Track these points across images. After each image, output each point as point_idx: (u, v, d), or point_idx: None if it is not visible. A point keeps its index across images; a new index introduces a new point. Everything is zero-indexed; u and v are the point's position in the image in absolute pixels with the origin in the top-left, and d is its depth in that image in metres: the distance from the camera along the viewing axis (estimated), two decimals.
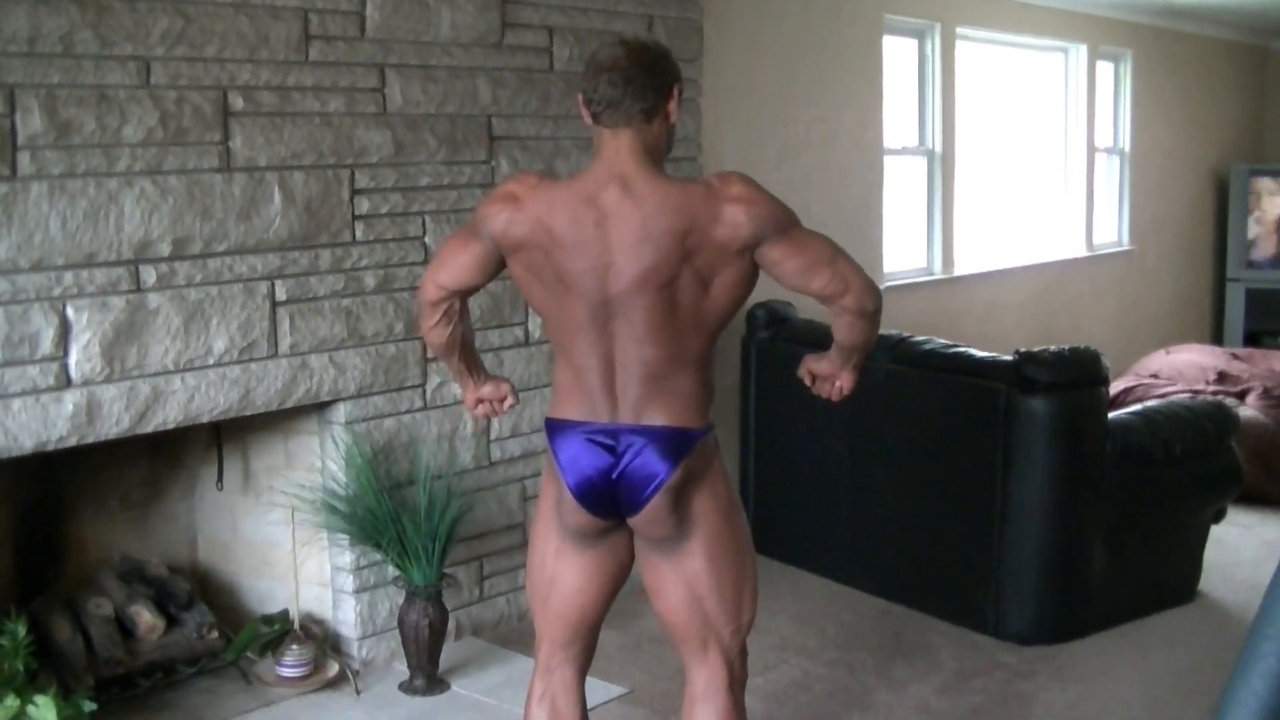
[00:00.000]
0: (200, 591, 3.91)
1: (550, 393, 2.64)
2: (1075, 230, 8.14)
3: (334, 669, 3.77)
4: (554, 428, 2.54)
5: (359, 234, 3.77)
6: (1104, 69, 8.23)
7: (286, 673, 3.69)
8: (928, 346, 4.48)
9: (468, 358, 2.74)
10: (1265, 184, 9.09)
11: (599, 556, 2.62)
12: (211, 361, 3.44)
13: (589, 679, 2.79)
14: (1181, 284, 9.15)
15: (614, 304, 2.43)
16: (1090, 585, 4.23)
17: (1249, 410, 6.09)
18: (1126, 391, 6.66)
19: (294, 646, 3.71)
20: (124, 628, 3.61)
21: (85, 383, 3.20)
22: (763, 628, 3.86)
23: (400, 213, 3.86)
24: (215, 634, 3.72)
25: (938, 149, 6.81)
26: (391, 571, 3.83)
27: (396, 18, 3.77)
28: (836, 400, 2.76)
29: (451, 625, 3.94)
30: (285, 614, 3.86)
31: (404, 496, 3.82)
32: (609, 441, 2.48)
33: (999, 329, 7.06)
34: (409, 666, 3.80)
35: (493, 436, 4.18)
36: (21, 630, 3.13)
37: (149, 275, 3.31)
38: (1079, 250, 8.13)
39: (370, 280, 3.80)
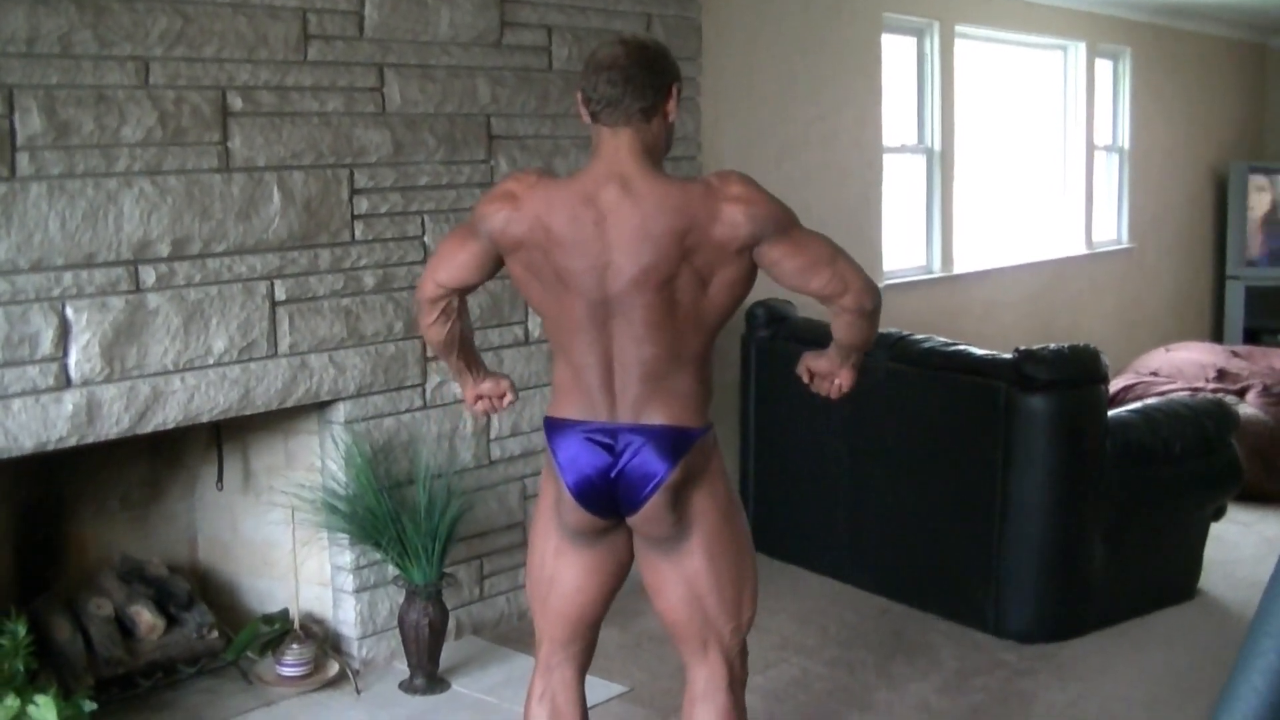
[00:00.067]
0: (200, 591, 3.91)
1: (549, 392, 2.64)
2: (1075, 228, 8.14)
3: (334, 668, 3.77)
4: (553, 427, 2.54)
5: (358, 233, 3.77)
6: (1103, 67, 8.23)
7: (287, 672, 3.70)
8: (927, 345, 4.48)
9: (467, 355, 2.74)
10: (1256, 180, 9.10)
11: (598, 555, 2.62)
12: (211, 361, 3.44)
13: (589, 677, 2.79)
14: (1181, 282, 9.15)
15: (613, 303, 2.43)
16: (1090, 583, 4.23)
17: (1249, 408, 6.09)
18: (1126, 389, 6.67)
19: (294, 646, 3.71)
20: (124, 628, 3.61)
21: (85, 383, 3.20)
22: (763, 626, 3.86)
23: (399, 212, 3.86)
24: (215, 634, 3.72)
25: (937, 147, 6.81)
26: (391, 571, 3.83)
27: (395, 17, 3.77)
28: (835, 398, 2.76)
29: (452, 624, 3.94)
30: (285, 613, 3.86)
31: (404, 496, 3.82)
32: (608, 440, 2.48)
33: (998, 327, 7.06)
34: (409, 666, 3.80)
35: (493, 435, 4.18)
36: (22, 630, 3.13)
37: (148, 275, 3.31)
38: (1078, 248, 8.13)
39: (370, 280, 3.80)
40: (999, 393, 4.16)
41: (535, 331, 4.23)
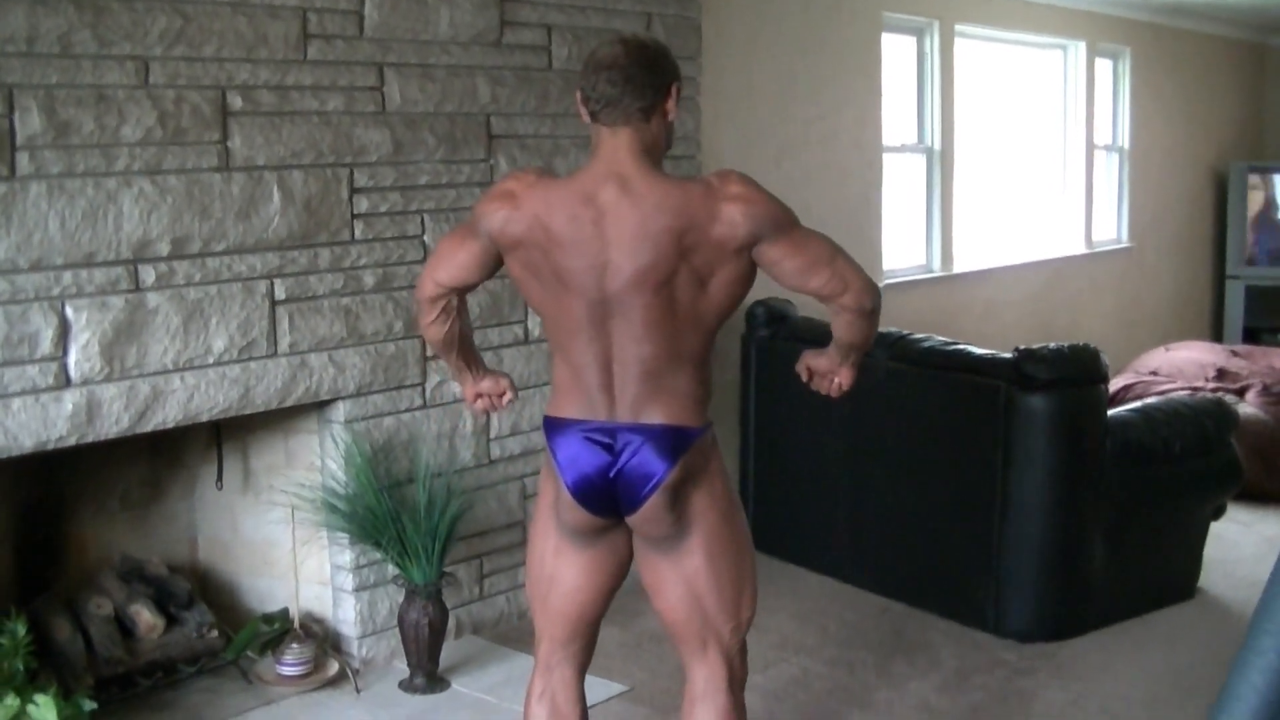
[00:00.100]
0: (200, 591, 3.91)
1: (549, 391, 2.64)
2: (1074, 228, 8.14)
3: (334, 668, 3.77)
4: (552, 426, 2.54)
5: (358, 233, 3.77)
6: (1103, 66, 8.23)
7: (286, 671, 3.70)
8: (927, 344, 4.48)
9: (466, 354, 2.75)
10: (1249, 179, 9.10)
11: (598, 555, 2.62)
12: (211, 361, 3.44)
13: (589, 677, 2.79)
14: (1181, 281, 9.15)
15: (612, 302, 2.43)
16: (1090, 582, 4.23)
17: (1248, 407, 6.09)
18: (1126, 389, 6.67)
19: (294, 645, 3.71)
20: (124, 627, 3.61)
21: (85, 382, 3.20)
22: (762, 626, 3.86)
23: (399, 211, 3.86)
24: (215, 633, 3.72)
25: (937, 146, 6.81)
26: (391, 570, 3.83)
27: (395, 16, 3.77)
28: (835, 397, 2.76)
29: (451, 623, 3.94)
30: (285, 613, 3.86)
31: (404, 495, 3.82)
32: (607, 440, 2.48)
33: (998, 326, 7.06)
34: (409, 665, 3.80)
35: (492, 435, 4.18)
36: (21, 630, 3.13)
37: (148, 275, 3.31)
38: (1078, 248, 8.13)
39: (369, 279, 3.80)
40: (999, 392, 4.16)
41: (535, 331, 4.23)
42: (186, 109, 3.33)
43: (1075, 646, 4.13)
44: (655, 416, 2.47)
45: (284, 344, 3.61)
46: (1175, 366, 6.89)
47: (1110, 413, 4.30)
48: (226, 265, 3.47)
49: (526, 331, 4.23)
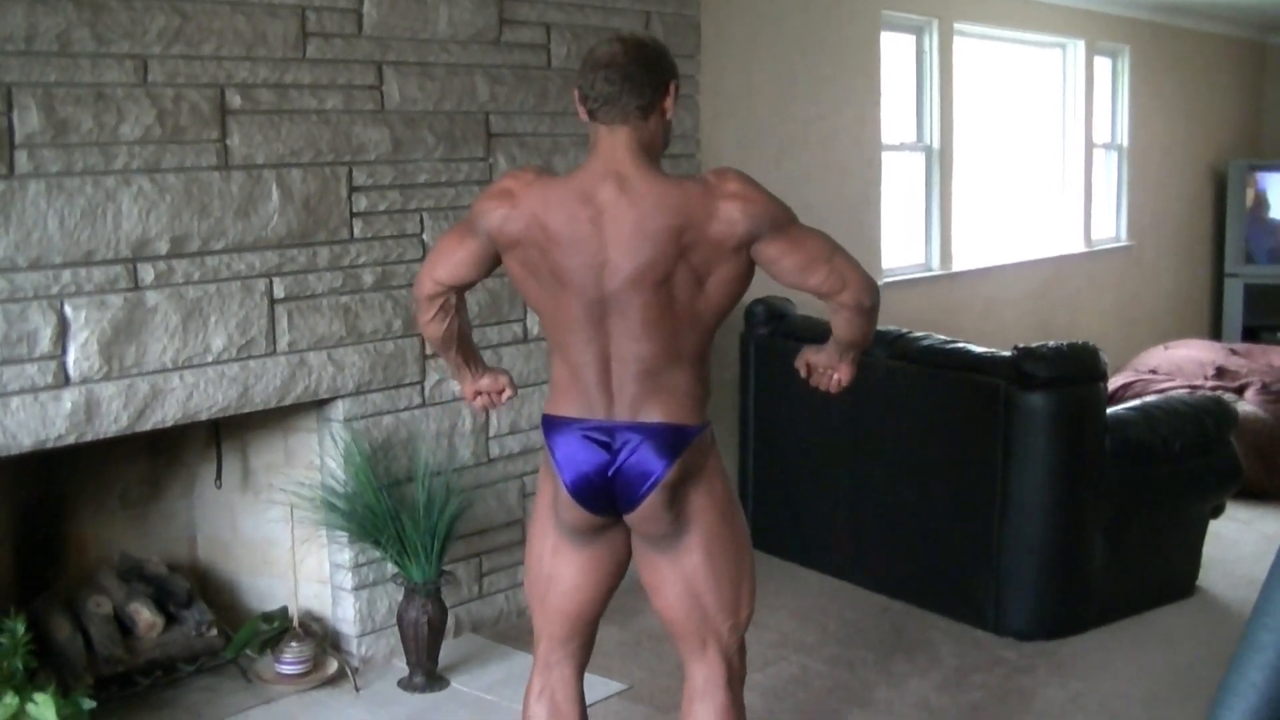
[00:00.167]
0: (199, 589, 3.91)
1: (547, 389, 2.64)
2: (1074, 226, 8.14)
3: (333, 666, 3.77)
4: (550, 424, 2.54)
5: (357, 231, 3.77)
6: (1102, 65, 8.23)
7: (286, 670, 3.70)
8: (926, 342, 4.48)
9: (465, 351, 2.74)
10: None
11: (596, 553, 2.62)
12: (210, 359, 3.44)
13: (588, 675, 2.79)
14: (1180, 279, 9.15)
15: (610, 301, 2.43)
16: (1089, 581, 4.23)
17: (1247, 405, 6.09)
18: (1125, 387, 6.66)
19: (293, 644, 3.71)
20: (123, 626, 3.61)
21: (84, 381, 3.20)
22: (762, 624, 3.87)
23: (398, 210, 3.86)
24: (215, 632, 3.72)
25: (936, 145, 6.81)
26: (390, 569, 3.83)
27: (394, 15, 3.77)
28: (834, 392, 2.75)
29: (451, 622, 3.94)
30: (284, 611, 3.86)
31: (403, 493, 3.82)
32: (605, 438, 2.48)
33: (997, 325, 7.07)
34: (408, 663, 3.80)
35: (491, 433, 4.18)
36: (21, 629, 3.13)
37: (147, 273, 3.31)
38: (1077, 246, 8.13)
39: (368, 277, 3.80)
40: (998, 390, 4.16)
41: (534, 329, 4.23)
42: (185, 107, 3.33)
43: (1075, 645, 4.13)
44: (654, 415, 2.47)
45: (283, 342, 3.60)
46: (1174, 365, 6.89)
47: (1109, 411, 4.30)
48: (225, 264, 3.47)
49: (525, 330, 4.23)
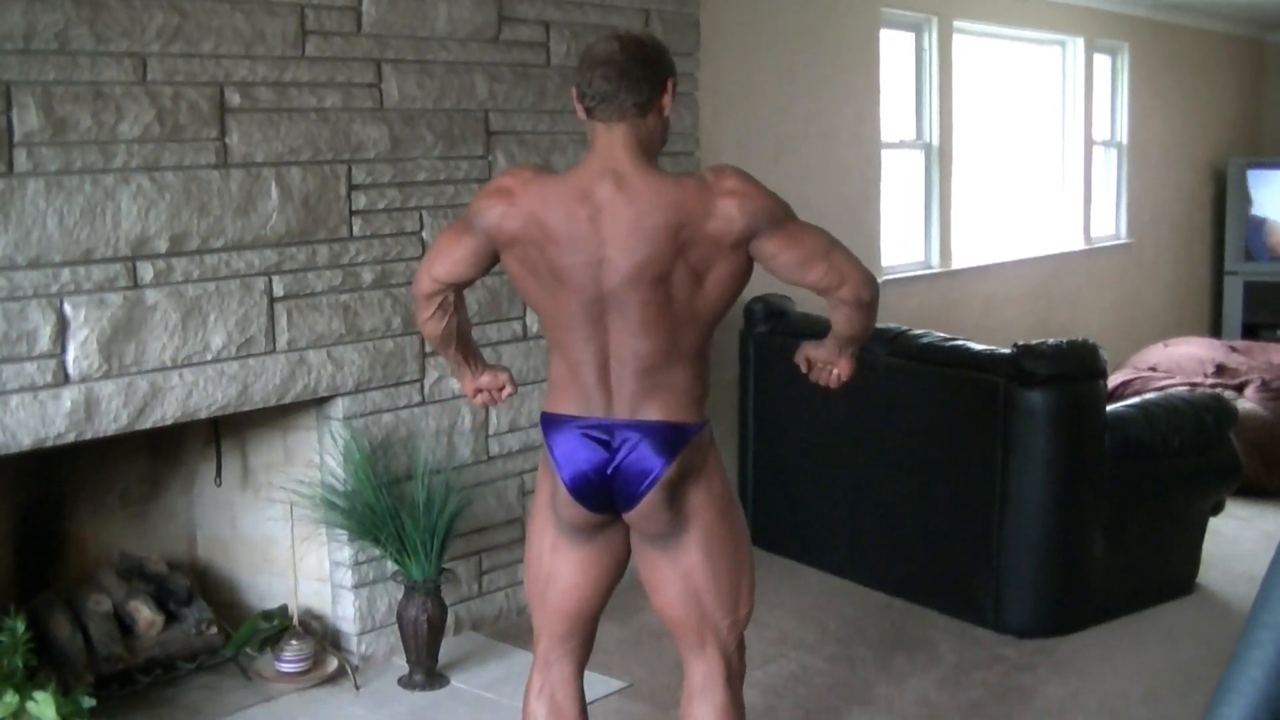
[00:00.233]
0: (199, 588, 3.91)
1: (546, 387, 2.64)
2: (1073, 224, 8.13)
3: (333, 664, 3.77)
4: (549, 422, 2.54)
5: (356, 229, 3.77)
6: (1101, 62, 8.23)
7: (286, 668, 3.70)
8: (926, 340, 4.48)
9: (465, 349, 2.74)
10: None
11: (596, 551, 2.62)
12: (209, 357, 3.44)
13: (588, 673, 2.79)
14: (1179, 277, 9.15)
15: (608, 299, 2.42)
16: (1089, 578, 4.23)
17: (1247, 403, 6.09)
18: (1125, 384, 6.66)
19: (293, 642, 3.71)
20: (123, 624, 3.61)
21: (83, 379, 3.20)
22: (762, 622, 3.87)
23: (397, 208, 3.86)
24: (214, 630, 3.72)
25: (935, 143, 6.81)
26: (390, 567, 3.83)
27: (393, 13, 3.77)
28: (834, 387, 2.75)
29: (450, 620, 3.94)
30: (284, 610, 3.86)
31: (402, 492, 3.82)
32: (604, 436, 2.48)
33: (997, 322, 7.07)
34: (408, 662, 3.80)
35: (491, 431, 4.18)
36: (21, 627, 3.13)
37: (146, 272, 3.31)
38: (1077, 244, 8.13)
39: (368, 276, 3.80)
40: (998, 388, 4.16)
41: (533, 327, 4.23)
42: (184, 106, 3.33)
43: (1074, 642, 4.13)
44: (652, 413, 2.47)
45: (282, 341, 3.60)
46: (1174, 362, 6.89)
47: (1109, 408, 4.30)
48: (225, 262, 3.46)
49: (525, 328, 4.23)
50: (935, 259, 6.89)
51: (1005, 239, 7.67)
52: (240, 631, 3.76)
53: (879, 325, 2.67)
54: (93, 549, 3.86)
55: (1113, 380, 6.42)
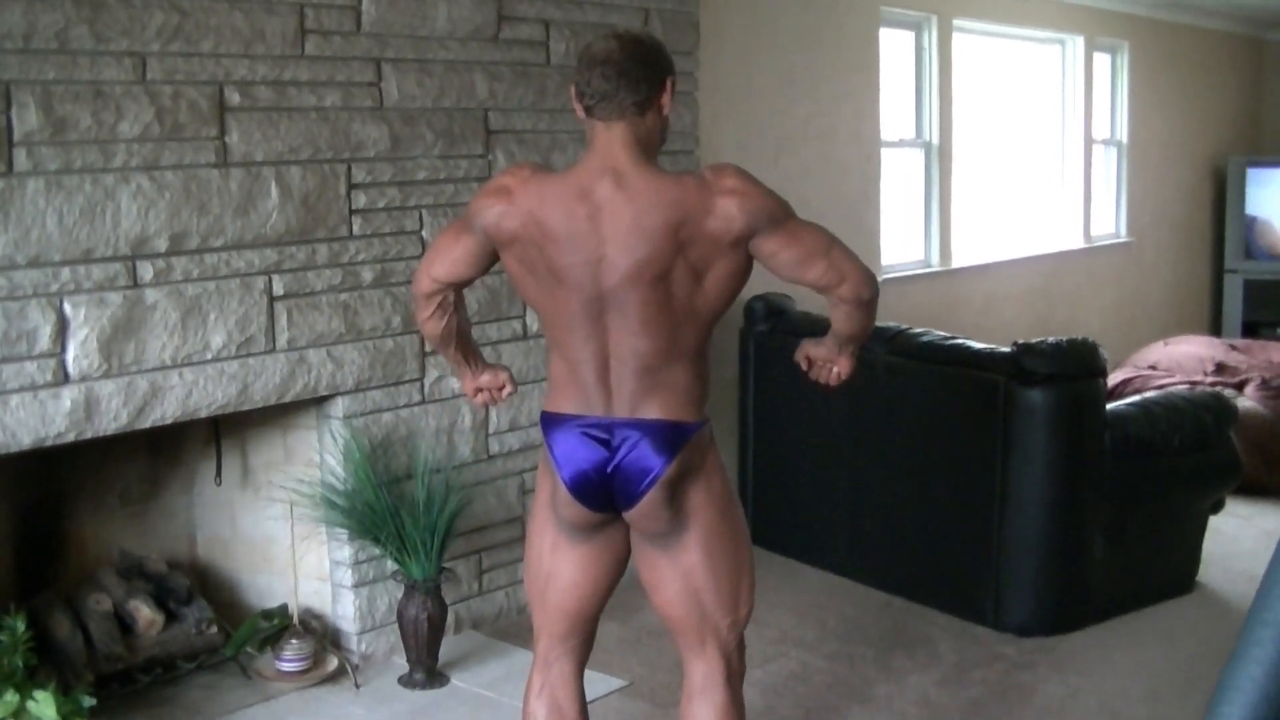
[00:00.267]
0: (199, 587, 3.91)
1: (546, 386, 2.64)
2: (1073, 222, 8.13)
3: (333, 663, 3.77)
4: (549, 421, 2.54)
5: (356, 228, 3.77)
6: (1101, 61, 8.23)
7: (286, 667, 3.70)
8: (926, 338, 4.48)
9: (465, 348, 2.74)
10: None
11: (596, 550, 2.62)
12: (209, 357, 3.44)
13: (588, 672, 2.79)
14: (1179, 275, 9.15)
15: (607, 297, 2.42)
16: (1089, 577, 4.23)
17: (1247, 401, 6.09)
18: (1125, 383, 6.66)
19: (293, 641, 3.71)
20: (123, 624, 3.61)
21: (83, 379, 3.20)
22: (762, 620, 3.87)
23: (397, 207, 3.86)
24: (214, 629, 3.73)
25: (935, 141, 6.81)
26: (390, 566, 3.83)
27: (392, 12, 3.77)
28: (834, 385, 2.75)
29: (450, 619, 3.94)
30: (284, 609, 3.86)
31: (402, 491, 3.82)
32: (604, 435, 2.48)
33: (997, 321, 7.07)
34: (408, 661, 3.80)
35: (491, 430, 4.18)
36: (21, 626, 3.13)
37: (146, 271, 3.31)
38: (1077, 242, 8.13)
39: (367, 274, 3.80)
40: (998, 386, 4.16)
41: (533, 326, 4.23)
42: (184, 105, 3.33)
43: (1074, 640, 4.13)
44: (652, 412, 2.47)
45: (282, 340, 3.60)
46: (1174, 361, 6.89)
47: (1109, 407, 4.30)
48: (224, 261, 3.46)
49: (525, 327, 4.23)
50: (935, 258, 6.89)
51: (1005, 238, 7.67)
52: (240, 631, 3.77)
53: (879, 324, 2.67)
54: (93, 548, 3.86)
55: (1113, 379, 6.42)
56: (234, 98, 3.44)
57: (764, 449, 5.05)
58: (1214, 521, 4.74)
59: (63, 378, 3.16)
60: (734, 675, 2.66)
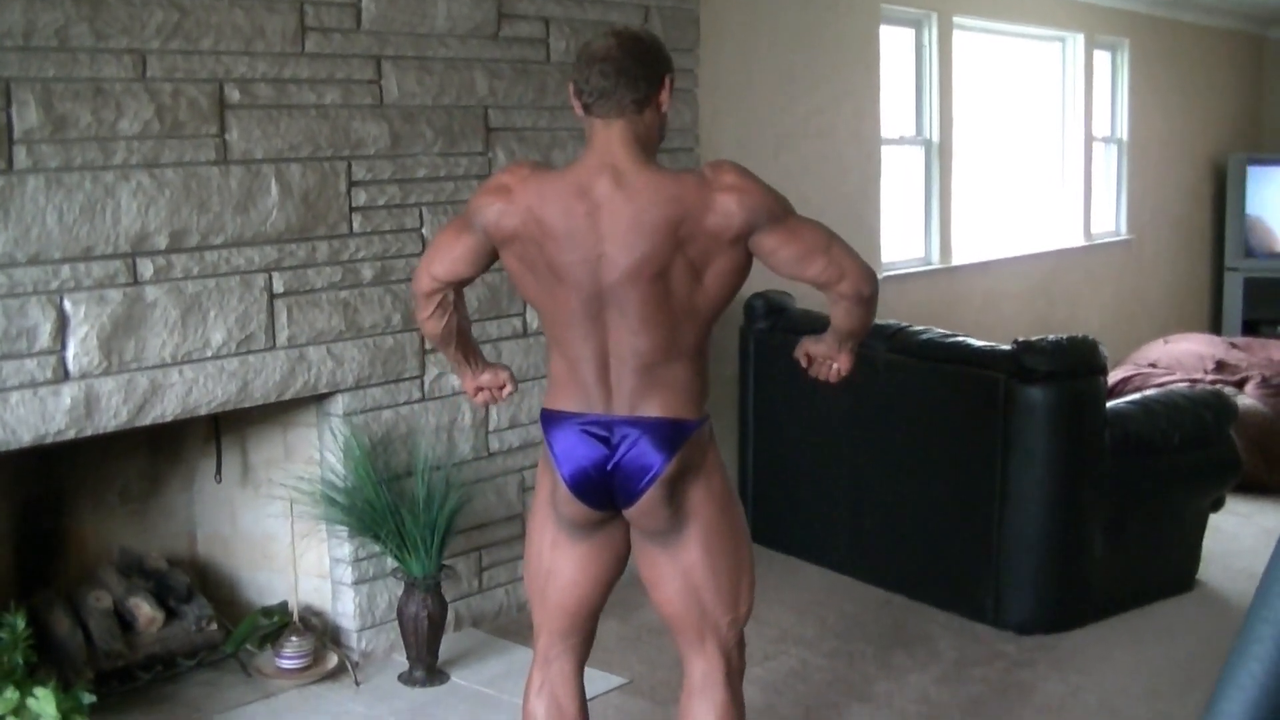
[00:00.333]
0: (199, 584, 3.91)
1: (546, 384, 2.64)
2: (1073, 220, 8.13)
3: (333, 661, 3.77)
4: (549, 419, 2.54)
5: (356, 226, 3.77)
6: (1101, 58, 8.23)
7: (286, 664, 3.70)
8: (926, 336, 4.48)
9: (465, 347, 2.74)
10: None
11: (595, 548, 2.62)
12: (209, 354, 3.44)
13: (588, 669, 2.79)
14: (1179, 273, 9.15)
15: (607, 295, 2.42)
16: (1089, 574, 4.23)
17: (1247, 399, 6.09)
18: (1125, 381, 6.66)
19: (293, 638, 3.71)
20: (123, 621, 3.61)
21: (83, 376, 3.20)
22: (762, 618, 3.87)
23: (397, 204, 3.86)
24: (214, 626, 3.73)
25: (935, 139, 6.81)
26: (390, 563, 3.83)
27: (393, 9, 3.77)
28: (834, 381, 2.75)
29: (450, 616, 3.94)
30: (284, 606, 3.86)
31: (402, 488, 3.82)
32: (603, 433, 2.48)
33: (997, 318, 7.06)
34: (408, 658, 3.80)
35: (491, 427, 4.18)
36: (21, 623, 3.13)
37: (146, 268, 3.30)
38: (1077, 240, 8.13)
39: (368, 272, 3.80)
40: (998, 384, 4.16)
41: (533, 324, 4.22)
42: (184, 102, 3.33)
43: (1074, 638, 4.13)
44: (652, 409, 2.47)
45: (282, 337, 3.60)
46: (1174, 358, 6.89)
47: (1109, 405, 4.30)
48: (224, 258, 3.46)
49: (525, 324, 4.23)
50: (935, 255, 6.89)
51: (1005, 235, 7.67)
52: (240, 628, 3.77)
53: (879, 321, 2.67)
54: (93, 546, 3.87)
55: (1113, 377, 6.42)
56: (234, 95, 3.44)
57: (764, 446, 5.05)
58: (1214, 519, 4.74)
59: (63, 375, 3.16)
60: (734, 673, 2.66)
